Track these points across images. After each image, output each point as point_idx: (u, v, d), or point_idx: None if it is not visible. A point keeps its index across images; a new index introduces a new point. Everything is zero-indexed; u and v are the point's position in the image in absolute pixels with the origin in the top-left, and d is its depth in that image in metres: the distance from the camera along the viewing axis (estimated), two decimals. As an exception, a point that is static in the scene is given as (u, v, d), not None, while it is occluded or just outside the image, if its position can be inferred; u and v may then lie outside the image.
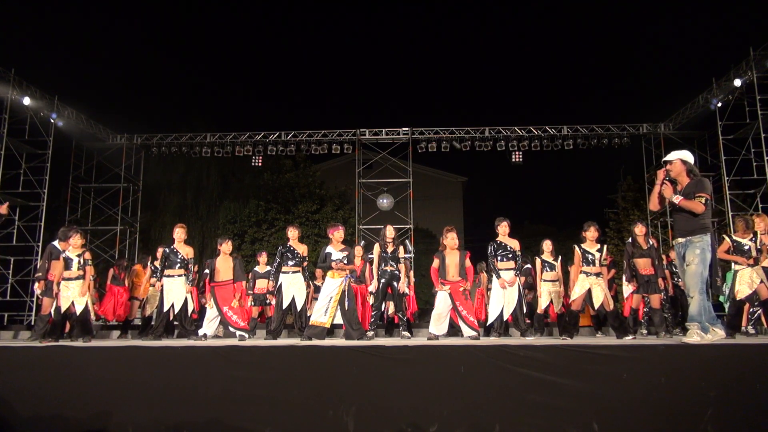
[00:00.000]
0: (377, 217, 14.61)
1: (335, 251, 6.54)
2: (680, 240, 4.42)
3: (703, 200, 4.25)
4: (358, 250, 8.28)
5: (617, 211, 17.63)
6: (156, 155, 14.94)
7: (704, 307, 4.23)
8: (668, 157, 4.53)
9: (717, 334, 4.18)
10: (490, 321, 6.94)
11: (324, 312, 6.34)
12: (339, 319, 6.44)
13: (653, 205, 4.53)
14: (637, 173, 16.34)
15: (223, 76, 33.99)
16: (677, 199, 4.33)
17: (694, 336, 4.17)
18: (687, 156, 4.48)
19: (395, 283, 6.78)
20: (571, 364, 3.69)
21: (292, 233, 6.92)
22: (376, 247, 6.95)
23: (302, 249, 6.87)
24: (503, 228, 6.55)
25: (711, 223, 4.37)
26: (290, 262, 6.75)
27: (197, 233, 17.11)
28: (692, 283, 4.26)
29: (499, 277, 6.40)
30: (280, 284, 6.74)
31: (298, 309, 6.74)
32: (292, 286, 6.73)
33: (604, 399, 3.59)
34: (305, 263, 6.85)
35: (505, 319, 6.67)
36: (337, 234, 6.63)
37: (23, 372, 4.21)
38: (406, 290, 7.37)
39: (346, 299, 6.37)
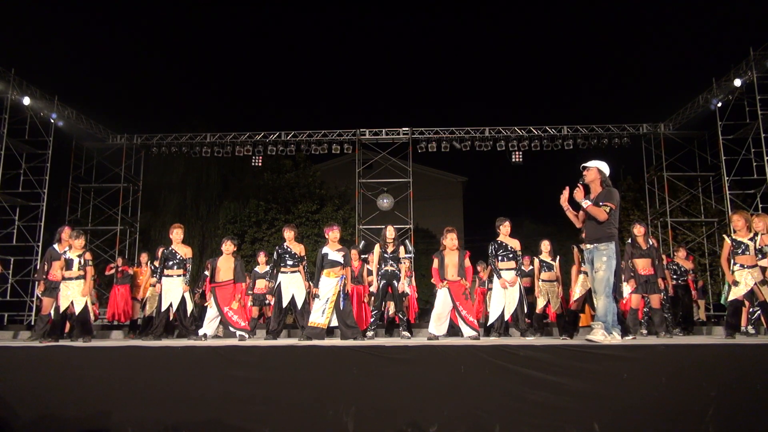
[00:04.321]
0: (377, 217, 14.60)
1: (332, 251, 6.54)
2: (588, 246, 4.75)
3: (607, 209, 4.56)
4: (354, 254, 8.30)
5: (617, 211, 17.60)
6: (156, 155, 14.94)
7: (610, 309, 4.55)
8: (587, 164, 4.83)
9: (614, 338, 4.48)
10: (491, 321, 6.94)
11: (321, 313, 6.35)
12: (336, 321, 6.45)
13: (575, 219, 4.87)
14: (637, 173, 16.35)
15: (223, 76, 34.00)
16: (585, 204, 4.64)
17: (598, 334, 4.40)
18: (603, 166, 4.81)
19: (395, 283, 6.78)
20: (572, 364, 3.69)
21: (288, 234, 6.93)
22: (377, 248, 6.95)
23: (299, 249, 6.87)
24: (504, 228, 6.57)
25: (617, 232, 4.69)
26: (288, 263, 6.76)
27: (197, 233, 17.11)
28: (600, 287, 4.60)
29: (500, 277, 6.41)
30: (279, 284, 6.75)
31: (298, 308, 6.73)
32: (291, 285, 6.73)
33: (604, 399, 3.59)
34: (303, 263, 6.85)
35: (505, 319, 6.68)
36: (332, 234, 6.63)
37: (23, 372, 4.20)
38: (407, 290, 7.36)
39: (341, 299, 6.37)
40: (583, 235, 6.08)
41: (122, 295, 9.01)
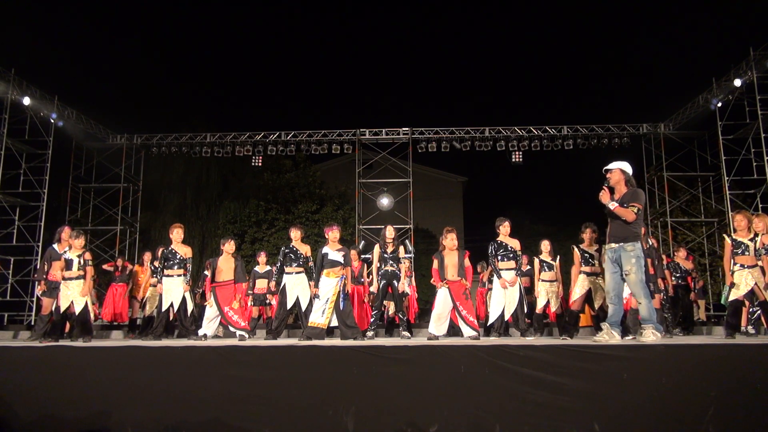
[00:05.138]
0: (377, 217, 14.61)
1: (332, 251, 6.53)
2: (613, 245, 4.78)
3: (635, 210, 4.64)
4: (354, 254, 8.31)
5: (617, 211, 17.59)
6: (156, 155, 14.94)
7: (651, 308, 4.65)
8: (609, 166, 4.92)
9: (614, 338, 4.64)
10: (491, 321, 6.94)
11: (321, 313, 6.34)
12: (336, 321, 6.44)
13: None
14: (637, 173, 16.27)
15: (223, 77, 34.00)
16: (612, 205, 4.71)
17: (650, 336, 4.48)
18: (626, 167, 4.91)
19: (395, 283, 6.78)
20: (572, 364, 3.69)
21: (295, 234, 6.91)
22: (376, 248, 6.95)
23: (305, 249, 6.85)
24: (504, 228, 6.57)
25: (641, 232, 4.80)
26: (293, 263, 6.74)
27: (197, 233, 17.11)
28: (637, 289, 4.67)
29: (500, 277, 6.41)
30: (284, 285, 6.73)
31: (303, 309, 6.70)
32: (297, 286, 6.71)
33: (604, 399, 3.59)
34: (309, 263, 6.84)
35: (506, 319, 6.67)
36: (332, 234, 6.62)
37: (23, 372, 4.20)
38: (407, 290, 7.36)
39: (341, 300, 6.36)
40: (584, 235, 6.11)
41: (120, 294, 9.01)
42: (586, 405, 3.58)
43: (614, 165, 4.91)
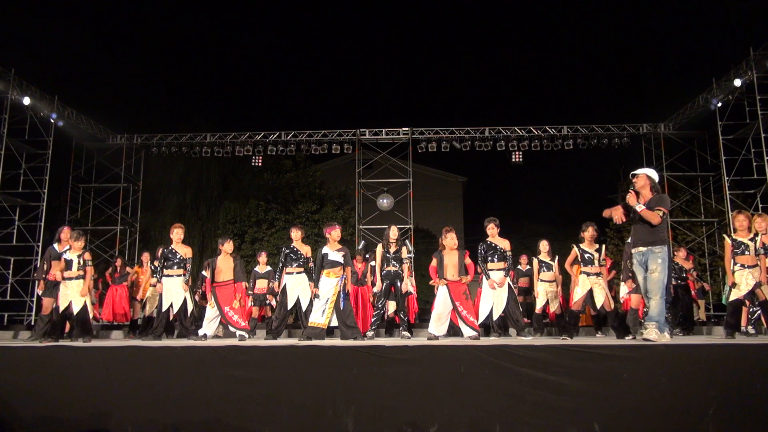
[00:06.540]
0: (377, 217, 14.60)
1: (332, 251, 6.52)
2: (641, 249, 4.96)
3: (661, 213, 4.80)
4: (359, 258, 8.33)
5: (617, 211, 17.61)
6: (156, 155, 14.94)
7: (662, 309, 4.77)
8: (636, 171, 5.10)
9: (665, 337, 4.64)
10: (480, 321, 6.95)
11: (321, 313, 6.34)
12: (336, 321, 6.44)
13: (618, 215, 5.00)
14: (637, 173, 16.30)
15: (223, 76, 33.99)
16: (639, 208, 4.85)
17: (653, 334, 4.55)
18: (652, 173, 5.10)
19: (398, 283, 6.77)
20: (572, 364, 3.69)
21: (296, 234, 6.91)
22: (379, 248, 6.94)
23: (306, 250, 6.85)
24: (491, 229, 6.61)
25: (667, 236, 4.97)
26: (294, 264, 6.74)
27: (197, 233, 17.09)
28: (655, 287, 4.81)
29: (488, 277, 6.43)
30: (285, 285, 6.73)
31: (303, 310, 6.70)
32: (297, 286, 6.72)
33: (604, 399, 3.59)
34: (310, 264, 6.83)
35: (494, 319, 6.67)
36: (334, 233, 6.61)
37: (23, 372, 4.21)
38: (410, 289, 7.36)
39: (341, 300, 6.36)
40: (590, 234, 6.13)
41: (120, 295, 9.01)
42: (586, 405, 3.58)
43: (641, 171, 5.11)
